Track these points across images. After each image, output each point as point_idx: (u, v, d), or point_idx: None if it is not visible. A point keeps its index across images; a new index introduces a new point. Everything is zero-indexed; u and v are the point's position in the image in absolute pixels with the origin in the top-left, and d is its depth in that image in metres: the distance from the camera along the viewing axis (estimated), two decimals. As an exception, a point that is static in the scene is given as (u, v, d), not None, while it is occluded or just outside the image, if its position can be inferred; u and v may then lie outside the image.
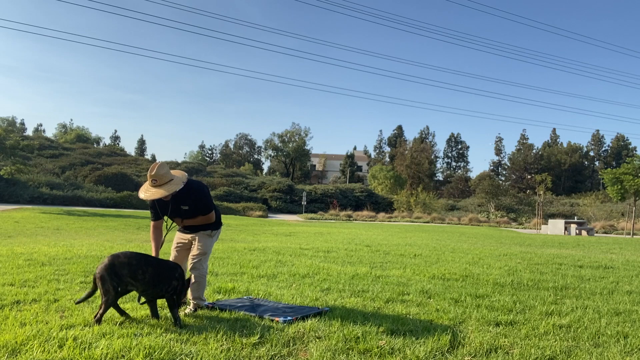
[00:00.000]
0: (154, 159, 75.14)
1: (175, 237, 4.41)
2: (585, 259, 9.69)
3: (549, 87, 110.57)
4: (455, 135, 79.98)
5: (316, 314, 4.01)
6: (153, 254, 4.16)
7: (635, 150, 67.59)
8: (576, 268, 8.09)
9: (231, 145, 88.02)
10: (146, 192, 3.91)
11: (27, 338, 3.13)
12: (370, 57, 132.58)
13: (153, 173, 3.87)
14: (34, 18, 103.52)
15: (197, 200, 4.13)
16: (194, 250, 4.23)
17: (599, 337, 3.75)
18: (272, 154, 72.75)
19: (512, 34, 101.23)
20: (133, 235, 13.48)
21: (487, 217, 37.36)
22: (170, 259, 4.31)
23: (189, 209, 4.13)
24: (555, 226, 25.33)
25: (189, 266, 4.23)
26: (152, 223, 4.20)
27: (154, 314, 3.79)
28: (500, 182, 61.68)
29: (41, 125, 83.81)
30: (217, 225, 4.35)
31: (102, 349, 2.95)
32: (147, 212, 4.33)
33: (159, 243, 4.16)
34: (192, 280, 4.17)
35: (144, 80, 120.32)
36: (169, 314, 3.87)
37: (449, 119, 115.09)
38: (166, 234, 4.34)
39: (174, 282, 3.76)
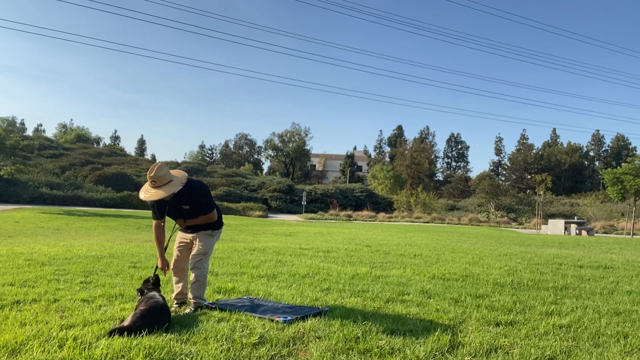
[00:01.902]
0: (154, 159, 75.14)
1: (177, 237, 4.42)
2: (585, 259, 9.69)
3: (549, 87, 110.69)
4: (455, 135, 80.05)
5: (316, 314, 4.01)
6: (159, 256, 4.24)
7: (635, 150, 67.64)
8: (576, 268, 8.09)
9: (231, 145, 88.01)
10: (146, 193, 3.93)
11: (27, 338, 3.13)
12: (370, 57, 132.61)
13: (152, 174, 3.88)
14: (34, 18, 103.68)
15: (197, 200, 4.14)
16: (195, 250, 4.24)
17: (599, 337, 3.74)
18: (272, 154, 72.76)
19: (512, 34, 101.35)
20: (133, 235, 13.48)
21: (487, 217, 37.36)
22: (173, 259, 4.32)
23: (190, 209, 4.15)
24: (555, 226, 25.32)
25: (190, 266, 4.24)
26: (154, 222, 4.22)
27: None
28: (500, 182, 61.68)
29: (41, 125, 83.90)
30: (218, 225, 4.36)
31: (102, 349, 2.95)
32: (148, 212, 4.35)
33: (163, 244, 4.20)
34: (193, 279, 4.17)
35: (144, 80, 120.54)
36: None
37: (449, 119, 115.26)
38: (170, 237, 4.36)
39: None
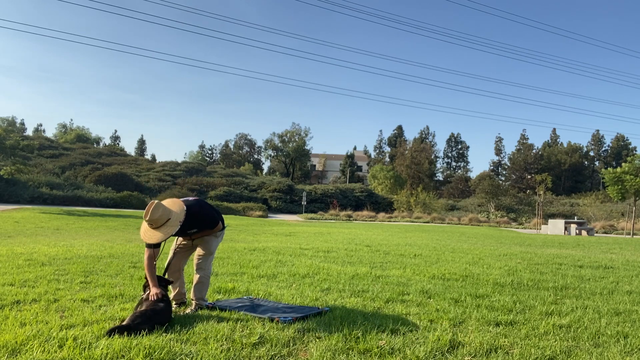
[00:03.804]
0: (153, 159, 75.16)
1: (177, 238, 4.40)
2: (585, 259, 9.69)
3: (549, 87, 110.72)
4: (455, 135, 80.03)
5: (316, 314, 4.01)
6: (151, 284, 3.86)
7: (635, 150, 67.62)
8: (576, 268, 8.08)
9: (231, 145, 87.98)
10: (146, 234, 3.86)
11: (27, 338, 3.13)
12: (370, 57, 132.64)
13: (148, 218, 3.79)
14: (34, 18, 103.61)
15: (201, 223, 4.13)
16: (200, 251, 4.25)
17: (599, 337, 3.74)
18: (272, 154, 72.75)
19: (512, 34, 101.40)
20: (133, 235, 13.47)
21: (487, 217, 37.35)
22: (168, 260, 4.31)
23: (197, 230, 4.17)
24: (555, 226, 25.32)
25: (194, 266, 4.24)
26: (147, 250, 3.94)
27: None
28: (500, 182, 61.66)
29: (41, 125, 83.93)
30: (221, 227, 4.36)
31: (102, 349, 2.95)
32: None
33: (155, 274, 3.93)
34: (196, 280, 4.17)
35: (144, 80, 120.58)
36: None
37: (449, 119, 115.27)
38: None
39: None
